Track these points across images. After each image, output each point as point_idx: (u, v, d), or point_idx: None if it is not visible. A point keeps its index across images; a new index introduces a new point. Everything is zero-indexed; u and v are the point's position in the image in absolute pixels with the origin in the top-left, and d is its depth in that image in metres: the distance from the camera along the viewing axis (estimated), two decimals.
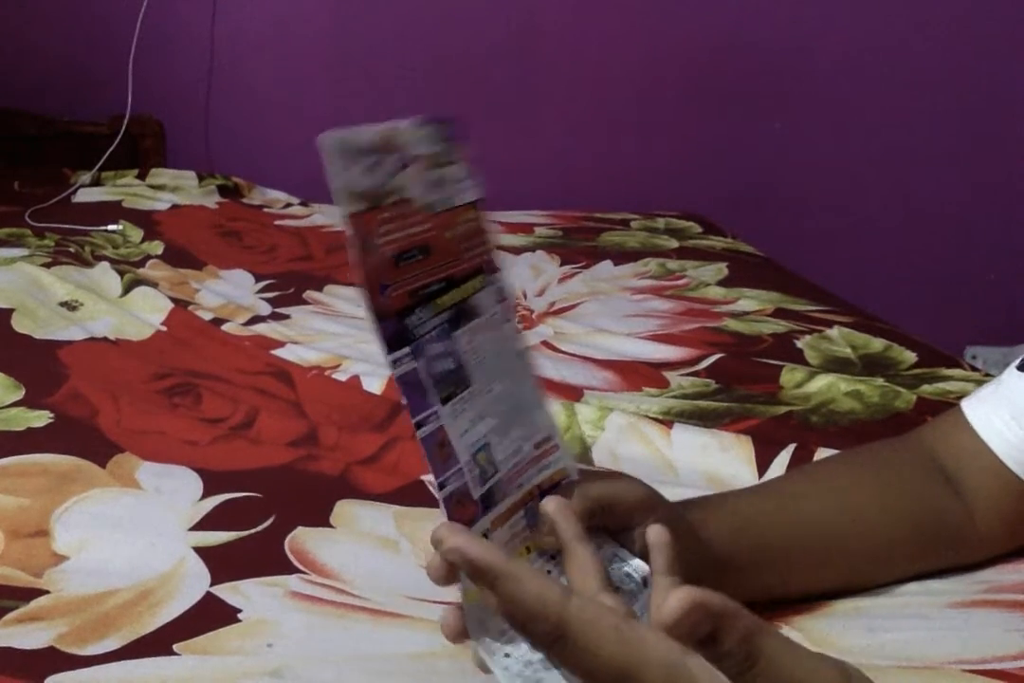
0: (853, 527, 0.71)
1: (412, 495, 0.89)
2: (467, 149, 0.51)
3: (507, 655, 0.49)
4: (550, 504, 0.52)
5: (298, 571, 0.77)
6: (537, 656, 0.48)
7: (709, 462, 0.96)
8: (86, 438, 0.96)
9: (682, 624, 0.41)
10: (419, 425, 0.47)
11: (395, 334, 0.46)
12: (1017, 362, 0.74)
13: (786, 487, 0.74)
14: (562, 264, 1.66)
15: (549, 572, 0.52)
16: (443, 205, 0.49)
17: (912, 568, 0.74)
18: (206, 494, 0.87)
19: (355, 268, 0.45)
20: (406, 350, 0.46)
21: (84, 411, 1.02)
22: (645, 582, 0.53)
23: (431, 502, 0.88)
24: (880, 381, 1.16)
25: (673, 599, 0.41)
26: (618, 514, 0.56)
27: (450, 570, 0.48)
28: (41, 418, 1.00)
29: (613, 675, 0.43)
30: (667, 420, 1.03)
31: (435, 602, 0.73)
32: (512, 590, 0.44)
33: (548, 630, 0.44)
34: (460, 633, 0.49)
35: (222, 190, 2.04)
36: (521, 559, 0.52)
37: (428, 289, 0.48)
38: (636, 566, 0.54)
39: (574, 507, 0.52)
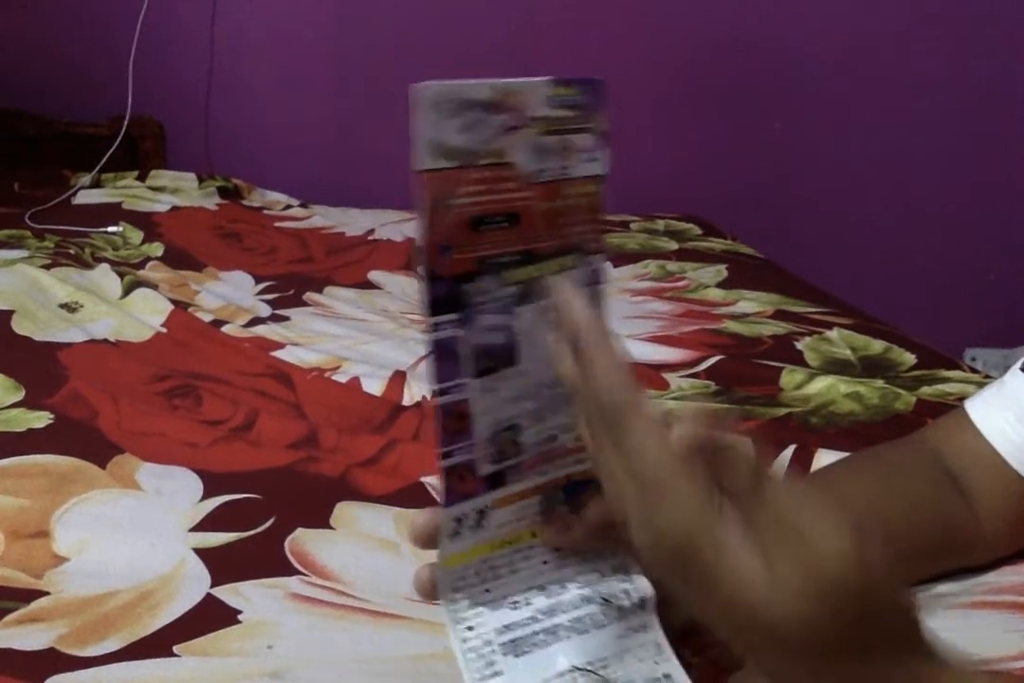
0: None
1: (412, 497, 0.89)
2: (606, 118, 0.47)
3: (470, 628, 0.49)
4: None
5: (298, 573, 0.77)
6: (498, 638, 0.48)
7: None
8: (86, 439, 0.96)
9: (696, 434, 0.41)
10: (441, 392, 0.45)
11: (444, 297, 0.44)
12: (1020, 363, 0.74)
13: None
14: None
15: (545, 562, 0.51)
16: (552, 175, 0.46)
17: (922, 572, 0.74)
18: (206, 495, 0.88)
19: (418, 225, 0.43)
20: (453, 316, 0.44)
21: (84, 412, 1.02)
22: (643, 603, 0.51)
23: (431, 504, 0.87)
24: (880, 383, 1.16)
25: (688, 415, 0.41)
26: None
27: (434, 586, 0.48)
28: (41, 419, 1.00)
29: (649, 470, 0.42)
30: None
31: (436, 604, 0.73)
32: (605, 361, 0.45)
33: (617, 405, 0.43)
34: (431, 592, 0.49)
35: (222, 192, 2.04)
36: (521, 543, 0.50)
37: (503, 259, 0.45)
38: (637, 585, 0.52)
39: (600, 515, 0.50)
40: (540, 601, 0.50)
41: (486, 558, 0.49)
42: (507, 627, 0.49)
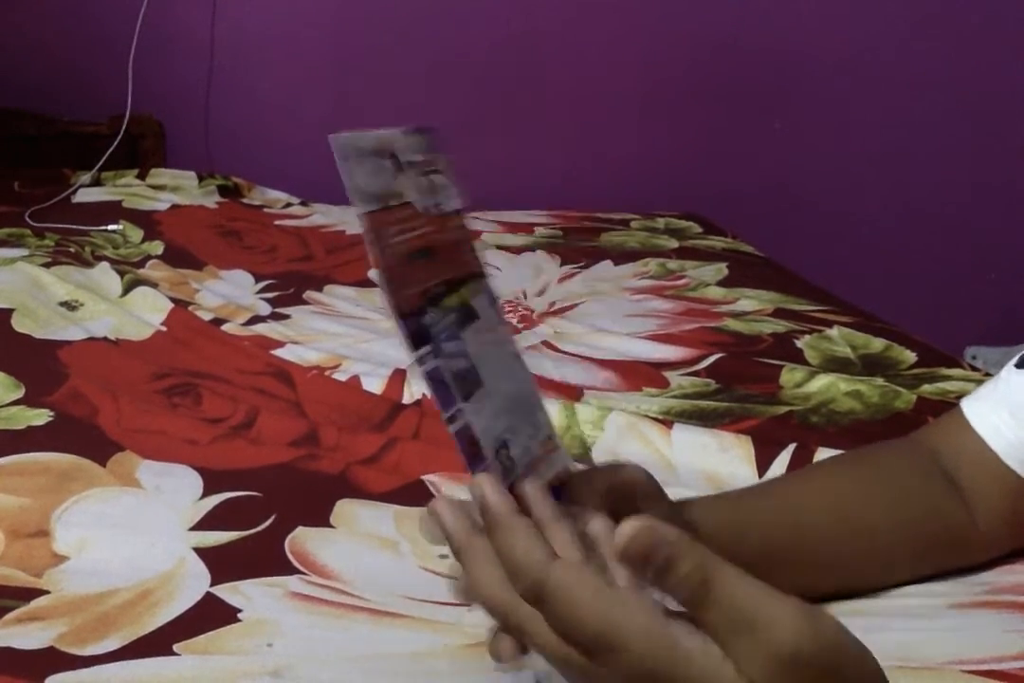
0: (854, 533, 0.71)
1: (412, 495, 0.89)
2: (450, 159, 0.52)
3: None
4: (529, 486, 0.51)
5: (298, 572, 0.77)
6: None
7: (709, 462, 0.96)
8: (86, 437, 0.96)
9: (634, 549, 0.41)
10: (450, 421, 0.47)
11: (416, 332, 0.47)
12: (1015, 360, 0.74)
13: (787, 491, 0.74)
14: (562, 264, 1.66)
15: None
16: (436, 211, 0.50)
17: (915, 571, 0.74)
18: (206, 493, 0.87)
19: (376, 267, 0.45)
20: (428, 348, 0.47)
21: (84, 410, 1.02)
22: None
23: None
24: (880, 381, 1.16)
25: (626, 526, 0.41)
26: (631, 500, 0.56)
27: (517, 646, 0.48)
28: (41, 416, 1.00)
29: (591, 637, 0.43)
30: (667, 420, 1.03)
31: (435, 603, 0.73)
32: (503, 541, 0.46)
33: (528, 587, 0.44)
34: (513, 654, 0.48)
35: (222, 190, 2.04)
36: None
37: (435, 291, 0.48)
38: None
39: (599, 487, 0.53)
40: None
41: None
42: None
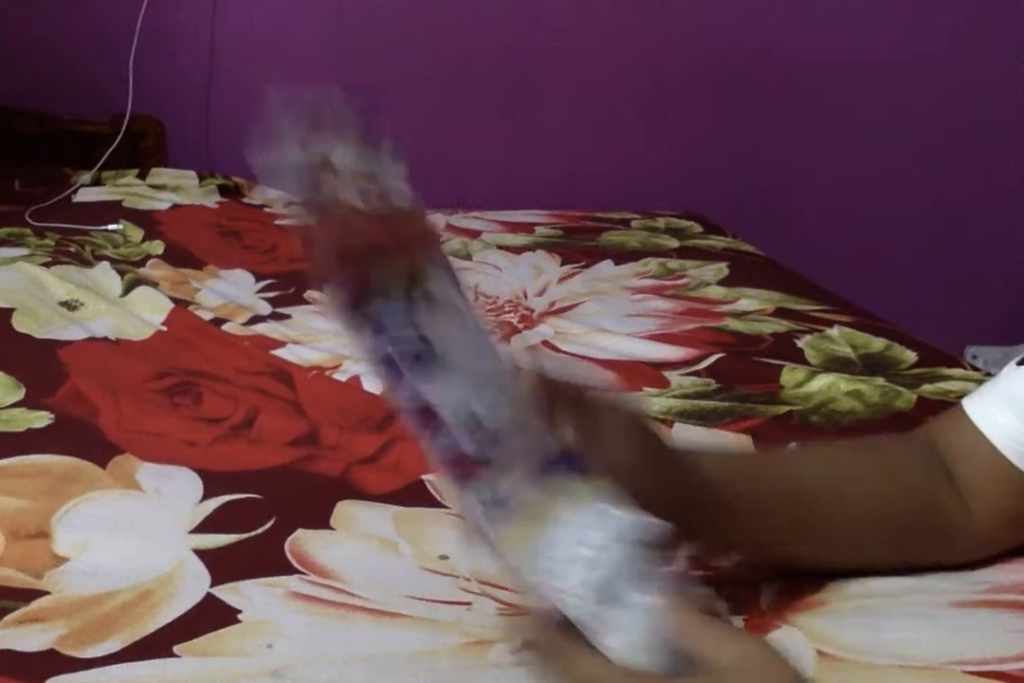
0: (841, 502, 0.72)
1: (412, 496, 0.89)
2: (400, 155, 0.52)
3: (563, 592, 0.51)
4: None
5: (299, 573, 0.77)
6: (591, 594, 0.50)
7: None
8: (86, 439, 0.96)
9: None
10: (399, 396, 0.50)
11: (352, 320, 0.50)
12: (1017, 358, 0.74)
13: (786, 458, 0.77)
14: (563, 264, 1.66)
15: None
16: (381, 203, 0.51)
17: (898, 555, 0.74)
18: (207, 495, 0.87)
19: (313, 267, 0.49)
20: (369, 333, 0.50)
21: (84, 411, 1.02)
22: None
23: (431, 503, 0.88)
24: (881, 381, 1.16)
25: None
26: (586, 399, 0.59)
27: None
28: (41, 419, 1.00)
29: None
30: (668, 420, 1.03)
31: (435, 601, 0.73)
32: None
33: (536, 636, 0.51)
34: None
35: (222, 190, 2.04)
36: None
37: (382, 278, 0.50)
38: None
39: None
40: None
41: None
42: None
